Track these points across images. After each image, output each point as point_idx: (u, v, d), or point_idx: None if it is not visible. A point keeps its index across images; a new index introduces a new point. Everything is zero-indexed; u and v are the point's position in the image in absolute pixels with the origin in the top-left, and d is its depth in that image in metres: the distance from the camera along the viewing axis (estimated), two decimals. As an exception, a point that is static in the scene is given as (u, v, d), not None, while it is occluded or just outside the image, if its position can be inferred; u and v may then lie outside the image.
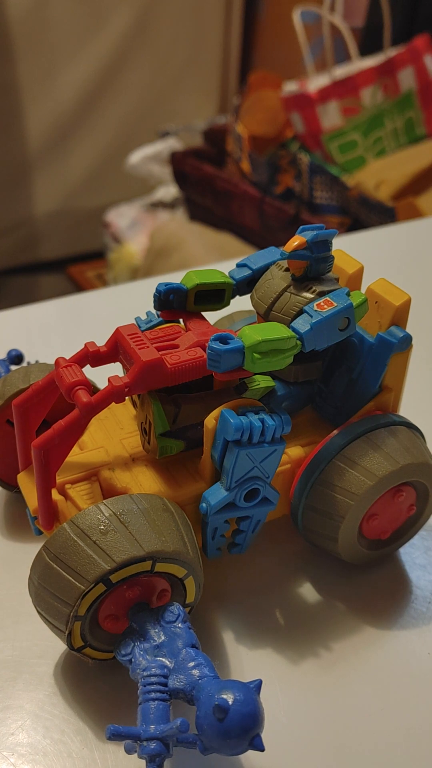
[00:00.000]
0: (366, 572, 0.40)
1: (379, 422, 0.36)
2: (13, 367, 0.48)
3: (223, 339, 0.30)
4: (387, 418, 0.37)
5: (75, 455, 0.35)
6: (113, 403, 0.32)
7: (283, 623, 0.38)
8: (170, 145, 1.65)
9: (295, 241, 0.33)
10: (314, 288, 0.34)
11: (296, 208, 1.34)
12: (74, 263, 2.03)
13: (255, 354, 0.30)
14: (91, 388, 0.33)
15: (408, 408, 0.41)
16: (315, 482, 0.36)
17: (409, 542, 0.41)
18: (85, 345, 0.34)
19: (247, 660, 0.36)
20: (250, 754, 0.31)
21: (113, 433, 0.37)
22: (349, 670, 0.35)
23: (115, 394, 0.32)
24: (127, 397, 0.33)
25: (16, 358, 0.45)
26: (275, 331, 0.31)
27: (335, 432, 0.36)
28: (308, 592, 0.39)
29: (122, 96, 1.91)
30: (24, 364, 0.46)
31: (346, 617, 0.38)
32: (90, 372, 0.37)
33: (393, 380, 0.37)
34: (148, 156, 1.66)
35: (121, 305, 0.66)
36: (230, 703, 0.25)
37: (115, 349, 0.34)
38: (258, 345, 0.30)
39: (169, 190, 1.70)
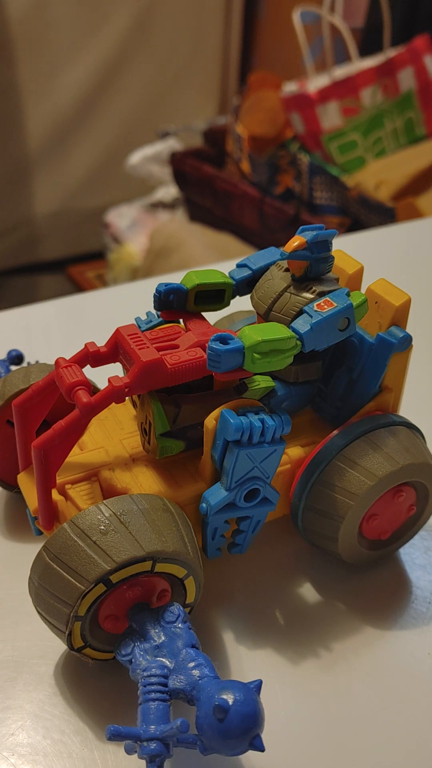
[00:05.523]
0: (366, 572, 0.40)
1: (379, 422, 0.36)
2: (13, 367, 0.48)
3: (223, 339, 0.30)
4: (387, 419, 0.37)
5: (75, 455, 0.35)
6: (113, 403, 0.32)
7: (283, 623, 0.38)
8: (170, 145, 1.65)
9: (295, 241, 0.33)
10: (314, 288, 0.34)
11: (296, 209, 1.34)
12: (74, 264, 2.03)
13: (255, 354, 0.30)
14: (92, 389, 0.33)
15: (408, 408, 0.41)
16: (315, 482, 0.36)
17: (409, 542, 0.41)
18: (85, 345, 0.34)
19: (247, 660, 0.36)
20: (250, 754, 0.31)
21: (113, 434, 0.37)
22: (349, 670, 0.35)
23: (115, 394, 0.32)
24: (127, 398, 0.33)
25: (16, 358, 0.45)
26: (275, 331, 0.31)
27: (335, 432, 0.36)
28: (308, 592, 0.39)
29: (122, 96, 1.91)
30: (24, 364, 0.46)
31: (346, 617, 0.38)
32: (90, 372, 0.37)
33: (393, 380, 0.37)
34: (148, 156, 1.66)
35: (121, 306, 0.66)
36: (230, 703, 0.25)
37: (115, 350, 0.34)
38: (258, 345, 0.30)
39: (169, 191, 1.70)
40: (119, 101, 1.92)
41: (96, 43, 1.82)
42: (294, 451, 0.36)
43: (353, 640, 0.37)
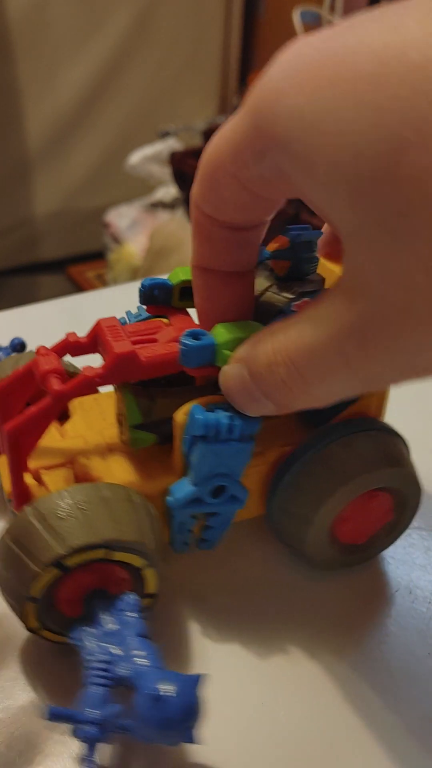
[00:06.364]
0: (365, 572, 0.40)
1: (356, 427, 0.35)
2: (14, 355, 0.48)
3: (195, 335, 0.30)
4: (365, 423, 0.36)
5: (55, 442, 0.35)
6: (98, 393, 0.32)
7: (279, 624, 0.37)
8: (170, 145, 1.65)
9: (278, 241, 0.33)
10: (296, 289, 0.34)
11: (296, 209, 1.34)
12: (74, 263, 2.03)
13: (225, 351, 0.30)
14: (65, 377, 0.33)
15: (396, 416, 0.40)
16: (286, 484, 0.35)
17: (409, 542, 0.41)
18: (67, 335, 0.35)
19: (244, 661, 0.35)
20: (251, 755, 0.31)
21: (95, 423, 0.37)
22: (349, 670, 0.35)
23: (86, 383, 0.32)
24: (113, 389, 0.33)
25: (18, 345, 0.46)
26: (248, 329, 0.31)
27: (310, 434, 0.36)
28: (307, 591, 0.39)
29: (122, 96, 1.91)
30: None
31: (345, 617, 0.38)
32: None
33: None
34: (148, 156, 1.66)
35: (120, 305, 0.66)
36: (166, 693, 0.26)
37: (95, 341, 0.35)
38: (228, 343, 0.30)
39: (169, 191, 1.70)
40: (119, 101, 1.92)
41: (96, 43, 1.82)
42: (271, 452, 0.36)
43: (353, 640, 0.37)
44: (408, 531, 0.42)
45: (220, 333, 0.30)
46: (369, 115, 0.18)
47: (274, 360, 0.24)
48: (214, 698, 0.32)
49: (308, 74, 0.20)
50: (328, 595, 0.39)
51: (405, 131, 0.17)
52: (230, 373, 0.28)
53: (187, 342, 0.30)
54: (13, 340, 0.46)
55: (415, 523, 0.43)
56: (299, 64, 0.20)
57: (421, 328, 0.19)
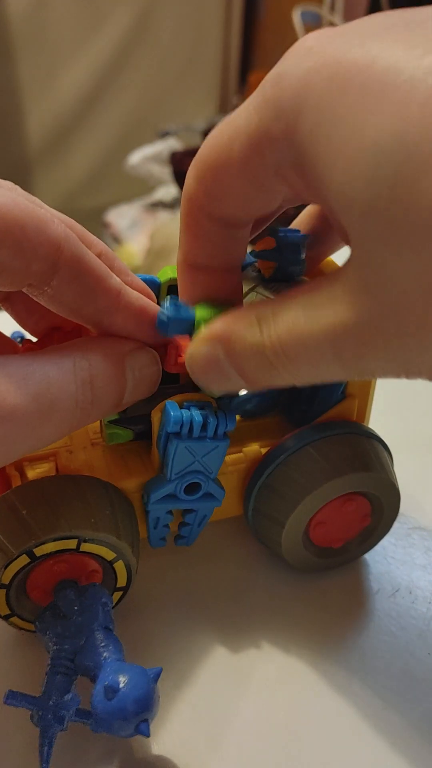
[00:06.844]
0: (365, 571, 0.40)
1: (332, 430, 0.35)
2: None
3: (177, 306, 0.30)
4: (343, 426, 0.35)
5: None
6: None
7: (275, 623, 0.37)
8: (170, 145, 1.65)
9: (264, 242, 0.33)
10: (281, 290, 0.33)
11: (296, 209, 1.34)
12: (74, 263, 2.03)
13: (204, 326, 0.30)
14: None
15: (380, 422, 0.40)
16: (262, 485, 0.35)
17: (409, 542, 0.41)
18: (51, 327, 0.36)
19: (244, 660, 0.35)
20: (260, 756, 0.31)
21: None
22: (348, 670, 0.35)
23: None
24: None
25: (20, 339, 0.46)
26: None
27: (287, 436, 0.35)
28: (305, 590, 0.39)
29: (122, 96, 1.91)
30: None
31: (344, 617, 0.38)
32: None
33: (357, 388, 0.36)
34: (148, 156, 1.66)
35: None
36: (121, 685, 0.26)
37: (79, 334, 0.35)
38: (207, 317, 0.30)
39: (169, 190, 1.70)
40: (119, 101, 1.92)
41: (96, 42, 1.82)
42: (251, 453, 0.36)
43: (352, 640, 0.37)
44: (408, 531, 0.42)
45: (201, 309, 0.30)
46: (392, 136, 0.18)
47: (263, 342, 0.24)
48: (189, 697, 0.32)
49: (335, 76, 0.19)
50: (328, 594, 0.39)
51: (422, 157, 0.18)
52: (200, 351, 0.27)
53: (166, 310, 0.29)
54: (14, 333, 0.46)
55: (415, 523, 0.43)
56: (325, 61, 0.20)
57: (418, 333, 0.20)
